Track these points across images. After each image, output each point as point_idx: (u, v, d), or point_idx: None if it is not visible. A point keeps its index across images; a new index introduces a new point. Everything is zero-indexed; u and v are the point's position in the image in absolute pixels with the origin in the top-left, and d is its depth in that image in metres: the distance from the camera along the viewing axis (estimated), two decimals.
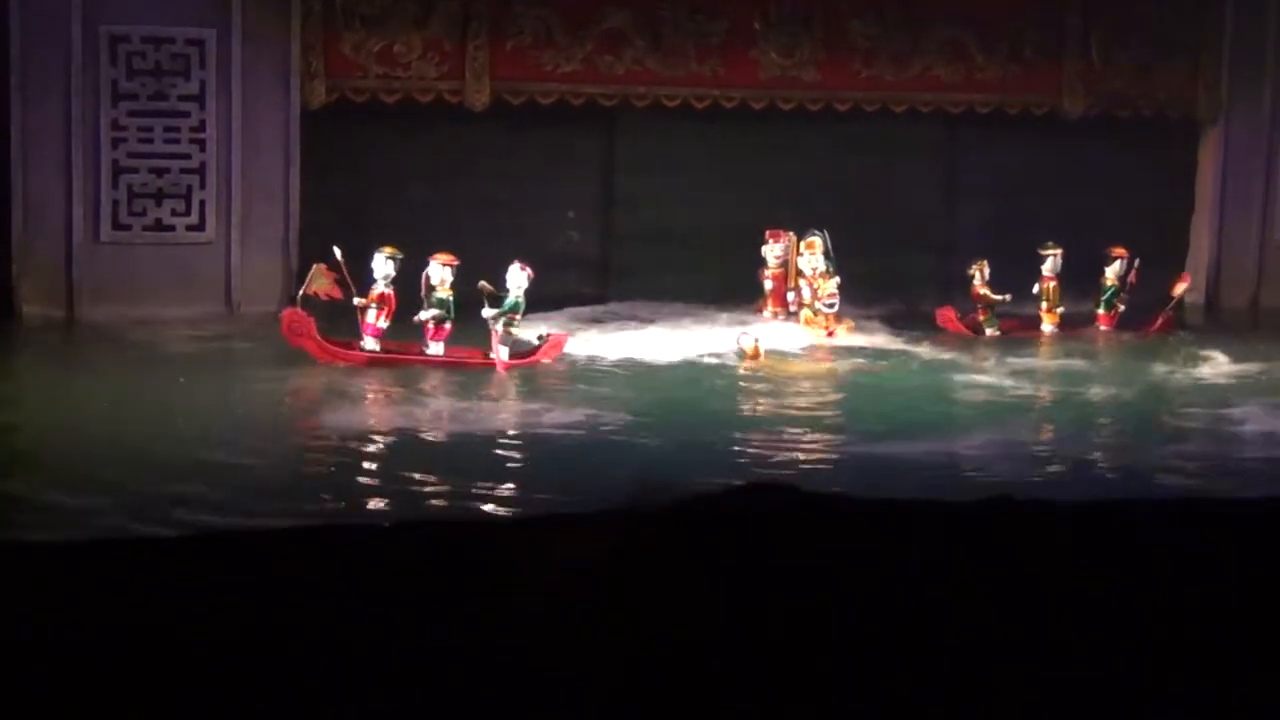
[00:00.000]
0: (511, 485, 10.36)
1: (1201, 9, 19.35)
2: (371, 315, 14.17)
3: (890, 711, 3.29)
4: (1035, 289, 17.08)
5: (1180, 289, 17.71)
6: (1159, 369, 15.06)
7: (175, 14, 16.84)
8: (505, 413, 12.82)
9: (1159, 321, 17.20)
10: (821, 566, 3.60)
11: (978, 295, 16.93)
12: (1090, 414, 13.39)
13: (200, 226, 17.07)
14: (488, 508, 9.72)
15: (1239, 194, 19.66)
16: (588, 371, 14.31)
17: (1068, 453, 11.64)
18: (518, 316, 14.37)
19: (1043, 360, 15.86)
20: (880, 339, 16.28)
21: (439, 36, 17.54)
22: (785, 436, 12.03)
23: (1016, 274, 16.93)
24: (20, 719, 3.14)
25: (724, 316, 16.78)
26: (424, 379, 13.72)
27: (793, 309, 17.00)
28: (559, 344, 14.64)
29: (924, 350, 15.74)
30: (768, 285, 17.35)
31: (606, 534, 3.67)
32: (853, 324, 16.62)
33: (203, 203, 17.03)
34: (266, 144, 17.09)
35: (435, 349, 14.28)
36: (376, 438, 11.63)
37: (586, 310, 17.21)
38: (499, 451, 11.23)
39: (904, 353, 15.69)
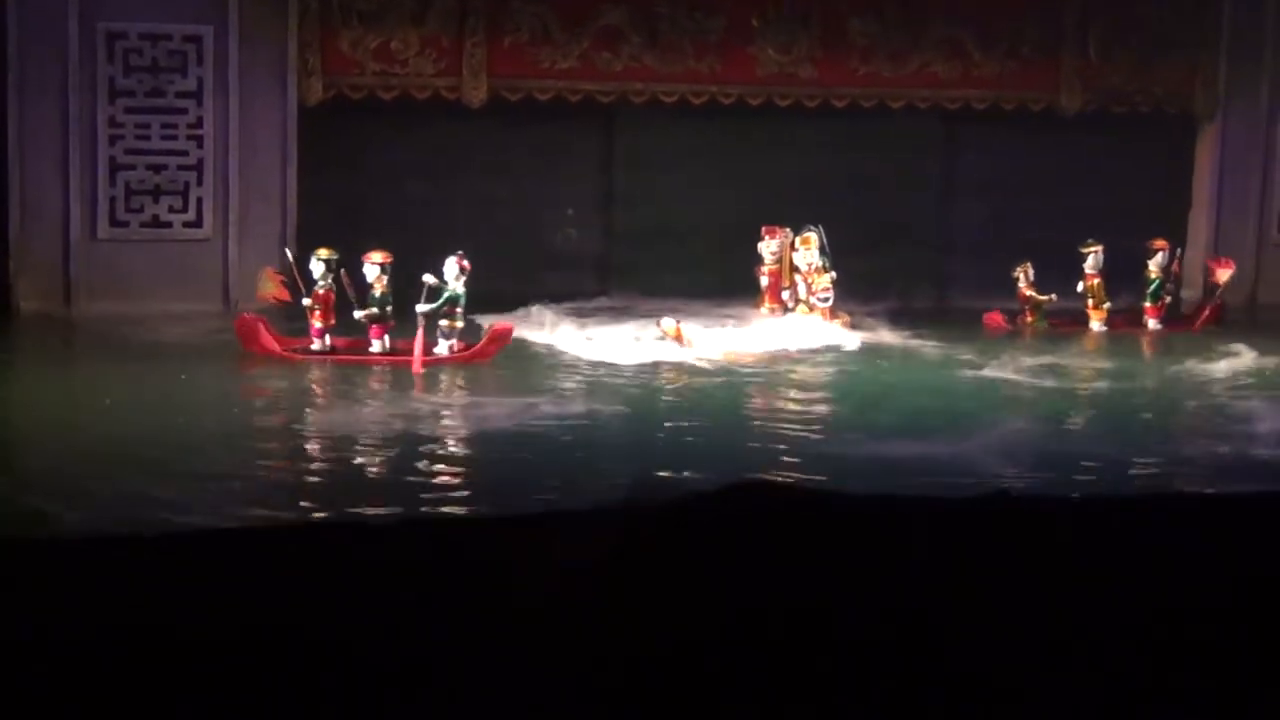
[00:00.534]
0: (511, 484, 10.33)
1: (1199, 5, 19.33)
2: (316, 316, 14.31)
3: (890, 711, 3.29)
4: (1079, 287, 17.03)
5: (1225, 276, 17.68)
6: (1183, 363, 14.91)
7: (172, 11, 16.85)
8: (501, 409, 12.77)
9: (1206, 313, 17.19)
10: (821, 566, 3.60)
11: (1024, 297, 16.99)
12: (1104, 409, 13.31)
13: (197, 223, 17.07)
14: (487, 508, 9.70)
15: (1236, 190, 19.66)
16: (582, 368, 14.27)
17: (1069, 451, 11.58)
18: (458, 309, 14.29)
19: (1057, 358, 15.61)
20: (885, 335, 16.20)
21: (436, 33, 17.53)
22: (785, 435, 12.00)
23: (1014, 271, 16.96)
24: (20, 719, 3.14)
25: (716, 312, 16.71)
26: (421, 379, 13.69)
27: (789, 305, 17.00)
28: (503, 335, 14.40)
29: (927, 346, 15.68)
30: (764, 282, 17.34)
31: (606, 533, 3.67)
32: (848, 318, 16.59)
33: (200, 200, 17.04)
34: (263, 141, 17.09)
35: (377, 347, 14.31)
36: (376, 437, 11.59)
37: (586, 305, 17.19)
38: (499, 450, 11.21)
39: (905, 349, 15.65)
